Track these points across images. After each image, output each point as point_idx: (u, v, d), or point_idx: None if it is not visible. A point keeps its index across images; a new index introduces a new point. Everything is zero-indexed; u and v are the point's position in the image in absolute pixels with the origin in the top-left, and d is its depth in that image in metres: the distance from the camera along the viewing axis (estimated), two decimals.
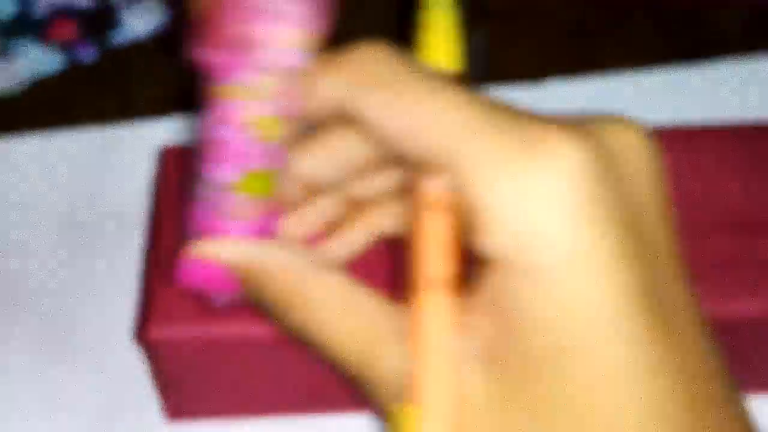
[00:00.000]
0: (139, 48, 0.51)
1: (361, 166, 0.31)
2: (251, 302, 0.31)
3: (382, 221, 0.32)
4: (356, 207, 0.32)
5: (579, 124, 0.26)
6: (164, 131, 0.48)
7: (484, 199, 0.25)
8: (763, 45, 0.52)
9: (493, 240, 0.25)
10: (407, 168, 0.29)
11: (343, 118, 0.30)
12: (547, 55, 0.52)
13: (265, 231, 0.31)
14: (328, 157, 0.31)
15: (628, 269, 0.25)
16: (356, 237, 0.32)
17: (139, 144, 0.47)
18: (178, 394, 0.38)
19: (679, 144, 0.39)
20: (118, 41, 0.51)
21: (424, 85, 0.27)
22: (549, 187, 0.25)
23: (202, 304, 0.35)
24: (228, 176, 0.30)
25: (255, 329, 0.35)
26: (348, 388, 0.38)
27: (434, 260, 0.27)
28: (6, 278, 0.43)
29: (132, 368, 0.41)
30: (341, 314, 0.28)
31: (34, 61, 0.49)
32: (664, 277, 0.26)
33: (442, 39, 0.31)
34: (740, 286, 0.36)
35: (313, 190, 0.31)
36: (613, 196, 0.26)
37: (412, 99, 0.27)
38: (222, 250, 0.31)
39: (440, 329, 0.26)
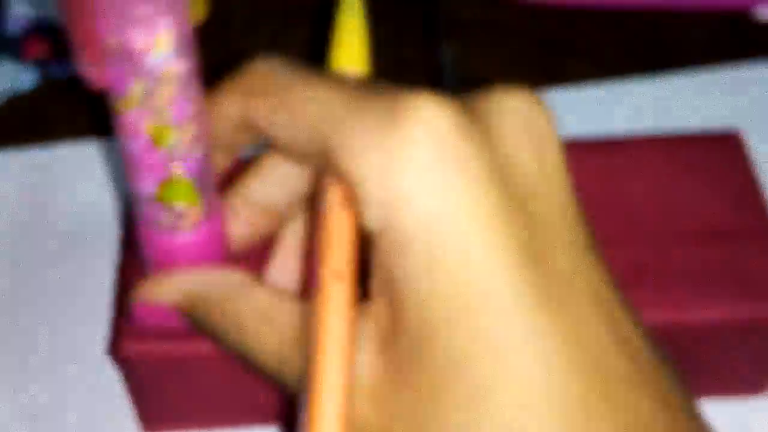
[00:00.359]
0: None
1: (306, 184, 0.31)
2: (199, 330, 0.32)
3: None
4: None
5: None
6: None
7: (356, 174, 0.25)
8: (728, 54, 0.53)
9: (367, 214, 0.25)
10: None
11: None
12: (515, 67, 0.53)
13: (209, 241, 0.32)
14: (274, 180, 0.31)
15: (498, 227, 0.24)
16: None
17: (113, 159, 0.48)
18: (153, 406, 0.38)
19: (646, 152, 0.40)
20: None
21: (305, 85, 0.27)
22: (410, 151, 0.24)
23: (175, 319, 0.35)
24: (146, 187, 0.30)
25: None
26: None
27: (333, 254, 0.27)
28: None
29: (107, 381, 0.41)
30: (259, 324, 0.29)
31: (9, 78, 0.50)
32: (551, 242, 0.25)
33: (351, 42, 0.31)
34: (700, 294, 0.36)
35: (274, 215, 0.32)
36: (478, 156, 0.25)
37: (292, 99, 0.27)
38: (157, 291, 0.32)
39: (336, 318, 0.26)
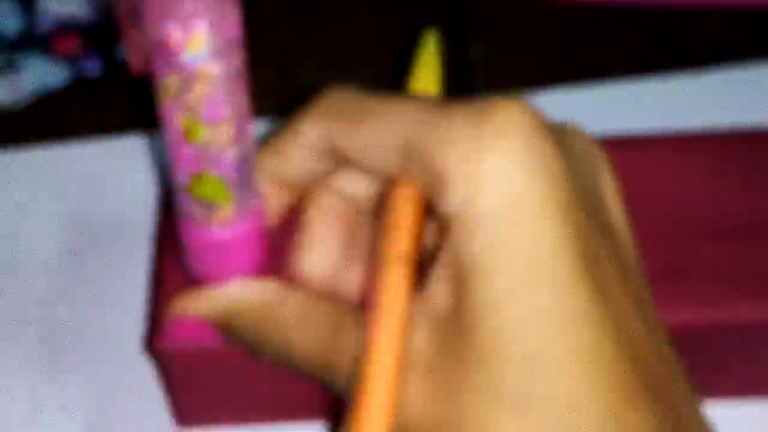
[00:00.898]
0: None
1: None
2: (236, 346, 0.33)
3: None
4: None
5: None
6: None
7: (443, 161, 0.27)
8: (754, 52, 0.53)
9: (446, 200, 0.27)
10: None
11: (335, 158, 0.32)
12: (540, 64, 0.53)
13: (243, 240, 0.32)
14: (362, 174, 0.32)
15: (567, 216, 0.27)
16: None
17: (145, 156, 0.48)
18: (188, 402, 0.39)
19: (668, 151, 0.40)
20: (121, 55, 0.51)
21: (387, 102, 0.30)
22: (499, 140, 0.27)
23: None
24: (180, 177, 0.30)
25: None
26: None
27: (397, 239, 0.29)
28: (14, 291, 0.44)
29: (142, 376, 0.41)
30: (299, 330, 0.30)
31: (40, 75, 0.50)
32: (608, 250, 0.28)
33: (427, 78, 0.34)
34: (731, 292, 0.36)
35: (355, 207, 0.33)
36: (555, 156, 0.27)
37: (375, 115, 0.30)
38: (192, 305, 0.33)
39: (395, 299, 0.28)
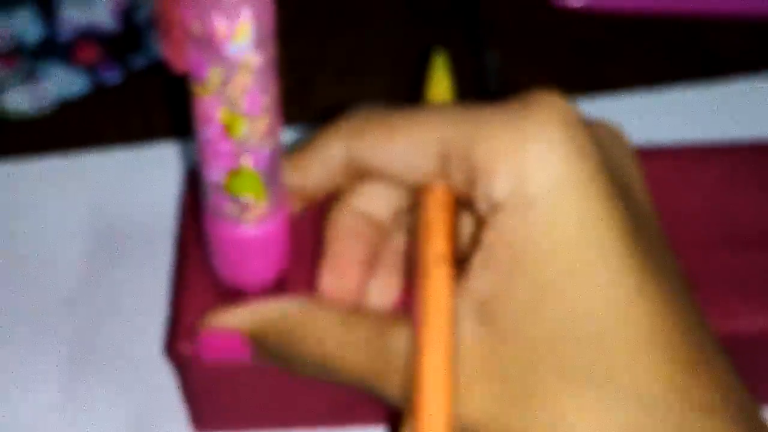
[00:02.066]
0: (162, 70, 0.52)
1: (408, 197, 0.34)
2: (267, 361, 0.33)
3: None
4: None
5: None
6: (188, 151, 0.49)
7: (487, 153, 0.29)
8: None
9: (492, 190, 0.28)
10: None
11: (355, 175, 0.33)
12: (555, 72, 0.53)
13: (273, 237, 0.32)
14: (380, 190, 0.33)
15: (610, 200, 0.28)
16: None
17: (164, 164, 0.48)
18: (206, 406, 0.39)
19: (685, 162, 0.40)
20: (141, 63, 0.52)
21: (408, 114, 0.31)
22: (544, 130, 0.28)
23: None
24: (215, 175, 0.30)
25: None
26: (372, 403, 0.39)
27: (435, 241, 0.30)
28: (35, 294, 0.44)
29: (160, 381, 0.41)
30: (340, 343, 0.31)
31: (61, 84, 0.50)
32: (648, 233, 0.29)
33: (441, 91, 0.36)
34: (743, 301, 0.36)
35: (375, 225, 0.34)
36: (592, 145, 0.29)
37: (402, 131, 0.31)
38: (227, 319, 0.33)
39: (441, 299, 0.29)
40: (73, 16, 0.51)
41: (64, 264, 0.45)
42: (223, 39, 0.27)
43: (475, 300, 0.28)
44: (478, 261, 0.29)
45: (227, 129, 0.29)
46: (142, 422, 0.40)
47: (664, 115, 0.50)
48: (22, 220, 0.46)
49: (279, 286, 0.35)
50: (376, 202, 0.33)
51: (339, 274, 0.33)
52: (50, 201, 0.47)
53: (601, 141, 0.30)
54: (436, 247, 0.30)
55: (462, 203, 0.32)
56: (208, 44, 0.27)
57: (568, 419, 0.26)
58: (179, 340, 0.35)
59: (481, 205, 0.29)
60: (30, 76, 0.50)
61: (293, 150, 0.34)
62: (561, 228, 0.27)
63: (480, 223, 0.29)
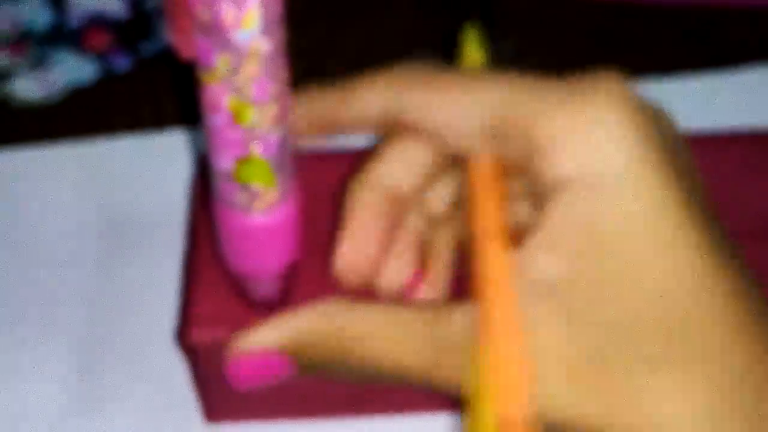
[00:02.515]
0: (171, 57, 0.52)
1: (429, 171, 0.32)
2: (308, 372, 0.32)
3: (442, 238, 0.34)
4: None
5: None
6: (199, 138, 0.49)
7: (545, 136, 0.28)
8: None
9: (555, 168, 0.28)
10: (456, 159, 0.32)
11: (385, 128, 0.31)
12: (570, 62, 0.53)
13: (283, 225, 0.32)
14: (401, 163, 0.32)
15: (671, 175, 0.28)
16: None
17: (175, 151, 0.48)
18: (218, 396, 0.39)
19: (703, 150, 0.40)
20: (151, 50, 0.51)
21: (460, 76, 0.30)
22: (606, 109, 0.28)
23: (243, 307, 0.35)
24: (224, 164, 0.30)
25: None
26: (386, 392, 0.39)
27: (488, 216, 0.30)
28: (46, 283, 0.44)
29: (171, 371, 0.41)
30: (390, 342, 0.30)
31: (70, 71, 0.50)
32: (711, 216, 0.29)
33: (474, 64, 0.35)
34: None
35: (395, 201, 0.33)
36: (648, 122, 0.29)
37: (454, 91, 0.30)
38: (259, 338, 0.32)
39: (500, 272, 0.28)
40: (82, 3, 0.50)
41: (74, 252, 0.45)
42: (230, 26, 0.26)
43: (541, 282, 0.28)
44: (542, 241, 0.28)
45: (235, 117, 0.28)
46: (154, 413, 0.40)
47: (680, 104, 0.50)
48: (31, 209, 0.46)
49: (290, 275, 0.34)
50: (398, 172, 0.32)
51: (357, 251, 0.32)
52: (60, 189, 0.47)
53: (659, 123, 0.30)
54: (491, 221, 0.29)
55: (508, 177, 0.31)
56: (216, 31, 0.27)
57: (652, 402, 0.26)
58: (191, 328, 0.35)
59: (540, 182, 0.29)
60: (39, 64, 0.50)
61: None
62: (637, 210, 0.27)
63: (536, 200, 0.29)
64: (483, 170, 0.30)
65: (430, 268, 0.33)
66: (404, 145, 0.32)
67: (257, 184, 0.30)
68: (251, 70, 0.27)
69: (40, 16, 0.51)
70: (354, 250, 0.33)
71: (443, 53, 0.53)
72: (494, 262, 0.28)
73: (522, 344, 0.27)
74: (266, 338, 0.31)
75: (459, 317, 0.29)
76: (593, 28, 0.54)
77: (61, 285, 0.44)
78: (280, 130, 0.29)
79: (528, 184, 0.30)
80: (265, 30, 0.27)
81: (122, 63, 0.51)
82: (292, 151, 0.31)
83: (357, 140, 0.49)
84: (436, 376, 0.29)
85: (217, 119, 0.29)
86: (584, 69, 0.29)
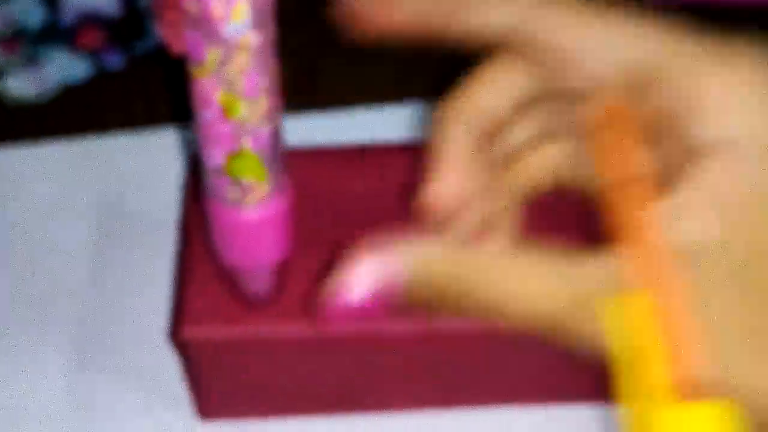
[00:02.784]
0: (164, 55, 0.51)
1: (524, 102, 0.31)
2: (408, 303, 0.29)
3: (537, 172, 0.32)
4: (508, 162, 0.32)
5: None
6: (191, 137, 0.49)
7: (704, 94, 0.28)
8: None
9: (711, 125, 0.28)
10: (568, 99, 0.30)
11: (497, 46, 0.30)
12: None
13: (273, 219, 0.32)
14: (498, 90, 0.31)
15: None
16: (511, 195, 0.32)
17: (168, 149, 0.48)
18: (211, 393, 0.38)
19: None
20: (144, 48, 0.51)
21: (605, 12, 0.29)
22: (758, 82, 0.28)
23: (236, 303, 0.35)
24: (214, 159, 0.30)
25: (288, 329, 0.35)
26: (378, 388, 0.39)
27: (627, 162, 0.29)
28: (40, 281, 0.44)
29: (164, 368, 0.41)
30: (524, 282, 0.28)
31: (63, 68, 0.50)
32: None
33: None
34: None
35: (486, 131, 0.31)
36: None
37: (597, 22, 0.29)
38: (378, 261, 0.29)
39: (646, 225, 0.27)
40: (75, 1, 0.50)
41: (67, 249, 0.45)
42: (219, 19, 0.26)
43: (694, 242, 0.27)
44: (693, 201, 0.27)
45: (226, 111, 0.28)
46: (147, 410, 0.40)
47: None
48: (24, 206, 0.46)
49: (282, 270, 0.34)
50: (495, 99, 0.31)
51: (448, 184, 0.31)
52: (53, 186, 0.47)
53: None
54: (633, 169, 0.28)
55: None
56: (205, 24, 0.27)
57: None
58: (183, 325, 0.35)
59: (686, 141, 0.28)
60: (32, 61, 0.50)
61: None
62: None
63: (680, 158, 0.28)
64: (616, 112, 0.29)
65: (500, 210, 0.32)
66: (504, 68, 0.30)
67: (248, 179, 0.30)
68: (241, 63, 0.27)
69: (33, 15, 0.50)
70: (445, 184, 0.31)
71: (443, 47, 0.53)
72: (637, 213, 0.27)
73: (687, 303, 0.26)
74: (386, 261, 0.29)
75: (593, 266, 0.28)
76: None
77: (54, 283, 0.44)
78: (271, 124, 0.29)
79: (664, 140, 0.29)
80: (255, 23, 0.27)
81: (115, 61, 0.51)
82: (282, 145, 0.31)
83: (347, 138, 0.49)
84: (570, 326, 0.28)
85: (207, 114, 0.29)
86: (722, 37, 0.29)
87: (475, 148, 0.30)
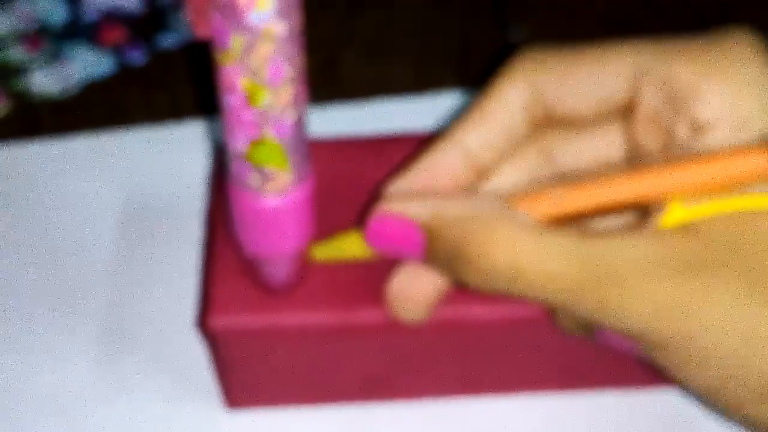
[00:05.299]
0: (187, 50, 0.52)
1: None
2: (431, 260, 0.31)
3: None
4: None
5: None
6: (215, 129, 0.49)
7: (691, 76, 0.30)
8: None
9: (701, 107, 0.30)
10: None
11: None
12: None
13: (296, 208, 0.32)
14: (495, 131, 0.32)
15: None
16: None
17: (192, 142, 0.48)
18: (238, 382, 0.39)
19: None
20: (166, 44, 0.52)
21: (591, 47, 0.33)
22: (745, 61, 0.30)
23: (262, 292, 0.35)
24: (237, 145, 0.30)
25: (316, 317, 0.35)
26: (404, 378, 0.39)
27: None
28: (67, 274, 0.44)
29: (192, 356, 0.41)
30: (537, 252, 0.29)
31: (86, 65, 0.51)
32: None
33: None
34: None
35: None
36: None
37: (586, 62, 0.32)
38: (404, 206, 0.32)
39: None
40: None
41: (95, 243, 0.45)
42: (245, 6, 0.27)
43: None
44: None
45: (249, 98, 0.28)
46: (175, 400, 0.40)
47: None
48: (52, 201, 0.47)
49: (304, 259, 0.35)
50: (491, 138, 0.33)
51: (485, 140, 0.32)
52: (79, 181, 0.47)
53: None
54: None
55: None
56: (230, 11, 0.27)
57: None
58: (211, 314, 0.35)
59: (686, 127, 0.30)
60: (55, 58, 0.50)
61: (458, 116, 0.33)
62: None
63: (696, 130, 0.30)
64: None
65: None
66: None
67: (270, 167, 0.30)
68: (265, 51, 0.27)
69: (55, 12, 0.51)
70: (482, 139, 0.32)
71: (458, 42, 0.53)
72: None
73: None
74: (410, 210, 0.31)
75: (602, 245, 0.28)
76: (607, 16, 0.54)
77: (82, 275, 0.44)
78: (295, 114, 0.29)
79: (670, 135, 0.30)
80: (280, 12, 0.27)
81: (137, 56, 0.51)
82: (306, 135, 0.31)
83: (369, 129, 0.49)
84: (573, 300, 0.28)
85: (231, 100, 0.29)
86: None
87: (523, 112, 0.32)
